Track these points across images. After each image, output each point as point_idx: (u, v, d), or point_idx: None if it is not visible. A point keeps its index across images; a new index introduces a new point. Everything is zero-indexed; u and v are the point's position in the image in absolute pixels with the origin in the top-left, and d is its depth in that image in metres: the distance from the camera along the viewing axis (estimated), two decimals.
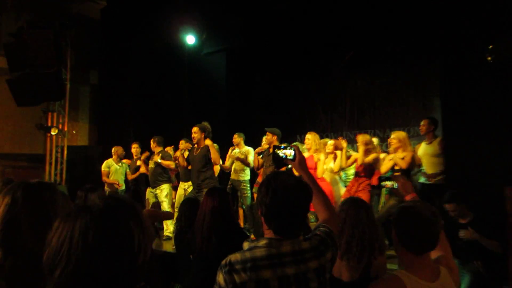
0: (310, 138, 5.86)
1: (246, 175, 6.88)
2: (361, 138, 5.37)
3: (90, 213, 0.92)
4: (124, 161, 7.73)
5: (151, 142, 7.14)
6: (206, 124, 5.76)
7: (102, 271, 0.89)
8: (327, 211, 1.85)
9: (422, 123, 5.61)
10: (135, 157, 7.66)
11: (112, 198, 0.99)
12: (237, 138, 7.20)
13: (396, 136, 5.27)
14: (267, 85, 10.18)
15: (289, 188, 1.61)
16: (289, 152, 1.96)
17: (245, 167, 6.79)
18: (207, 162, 5.61)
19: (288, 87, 9.91)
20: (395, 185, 2.42)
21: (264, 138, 6.39)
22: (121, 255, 0.91)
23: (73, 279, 0.87)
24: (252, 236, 6.85)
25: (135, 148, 7.68)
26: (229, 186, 6.86)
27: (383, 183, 2.54)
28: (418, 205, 1.88)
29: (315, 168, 5.63)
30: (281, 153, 1.98)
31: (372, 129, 8.89)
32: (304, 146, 5.93)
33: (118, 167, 7.62)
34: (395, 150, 5.24)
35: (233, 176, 6.89)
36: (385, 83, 8.81)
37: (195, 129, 5.69)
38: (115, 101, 9.31)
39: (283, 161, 1.98)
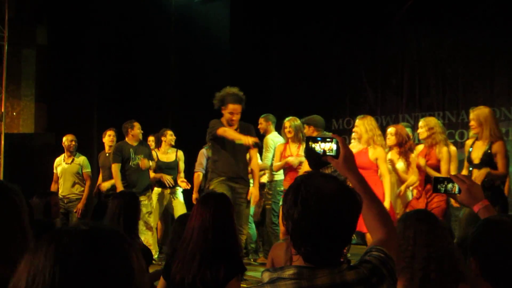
0: (361, 124, 5.93)
1: (278, 175, 7.17)
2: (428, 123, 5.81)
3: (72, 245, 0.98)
4: (79, 159, 7.82)
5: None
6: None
7: None
8: (384, 228, 1.87)
9: None
10: (108, 149, 7.82)
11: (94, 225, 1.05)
12: (263, 123, 7.44)
13: (475, 116, 5.43)
14: (289, 47, 10.22)
15: (327, 197, 1.63)
16: (330, 146, 1.99)
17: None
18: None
19: (319, 50, 9.93)
20: (457, 189, 2.42)
21: (285, 130, 6.88)
22: None
23: None
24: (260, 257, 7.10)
25: (110, 137, 7.88)
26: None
27: (439, 187, 2.56)
28: (508, 221, 1.88)
29: (371, 168, 5.74)
30: (318, 147, 2.01)
31: (440, 110, 9.00)
32: (353, 135, 6.07)
33: (66, 166, 7.74)
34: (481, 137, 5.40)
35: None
36: (460, 44, 8.87)
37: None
38: (72, 70, 9.39)
39: (322, 158, 2.01)
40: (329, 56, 9.94)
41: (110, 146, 7.74)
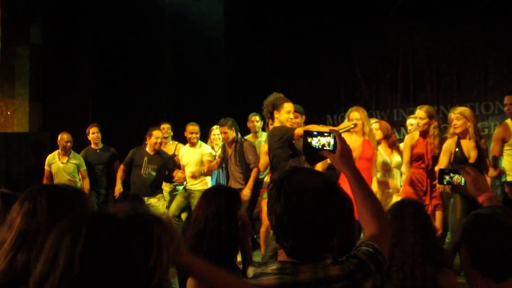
0: (361, 115, 5.89)
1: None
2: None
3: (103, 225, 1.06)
4: (75, 158, 7.81)
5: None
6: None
7: None
8: (378, 223, 1.86)
9: (506, 99, 5.85)
10: (93, 145, 7.90)
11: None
12: (260, 122, 7.42)
13: (460, 114, 5.50)
14: (283, 43, 10.26)
15: (311, 192, 1.62)
16: (327, 140, 1.99)
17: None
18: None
19: (313, 45, 9.97)
20: (463, 181, 2.46)
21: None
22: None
23: None
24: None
25: (95, 134, 7.88)
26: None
27: (446, 178, 2.61)
28: (498, 213, 1.89)
29: (367, 159, 5.76)
30: (314, 141, 2.00)
31: (435, 104, 8.93)
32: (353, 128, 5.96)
33: (61, 165, 7.68)
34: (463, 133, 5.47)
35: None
36: (454, 39, 8.92)
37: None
38: (66, 68, 9.34)
39: (319, 153, 2.00)
40: (323, 51, 10.00)
41: (96, 143, 7.87)
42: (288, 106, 5.46)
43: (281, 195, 1.62)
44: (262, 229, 6.25)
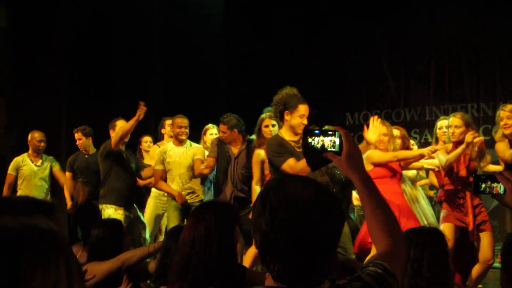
0: (386, 131, 5.83)
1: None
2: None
3: None
4: (48, 160, 7.74)
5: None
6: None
7: None
8: (389, 239, 1.76)
9: None
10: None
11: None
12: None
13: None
14: (294, 27, 9.99)
15: (301, 205, 1.56)
16: (331, 140, 1.89)
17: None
18: None
19: (329, 31, 9.70)
20: (502, 189, 2.42)
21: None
22: None
23: None
24: None
25: (81, 140, 7.60)
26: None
27: (482, 186, 2.58)
28: None
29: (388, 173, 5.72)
30: (315, 141, 1.90)
31: (474, 101, 8.85)
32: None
33: (35, 168, 7.55)
34: None
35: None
36: (497, 25, 8.54)
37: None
38: (37, 57, 8.95)
39: (321, 155, 1.89)
40: (342, 39, 9.66)
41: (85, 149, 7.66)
42: (302, 109, 5.20)
43: (266, 209, 1.56)
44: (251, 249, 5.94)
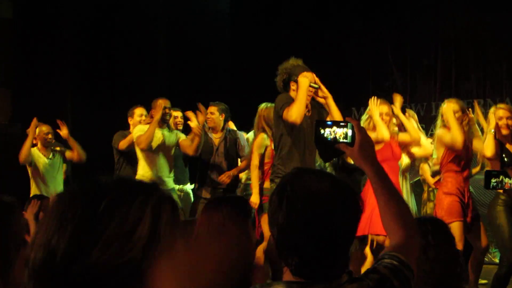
0: (387, 110, 5.95)
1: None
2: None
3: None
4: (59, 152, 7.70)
5: None
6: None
7: None
8: (404, 230, 1.77)
9: None
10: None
11: None
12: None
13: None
14: (300, 19, 10.05)
15: (318, 198, 1.59)
16: (343, 131, 1.92)
17: None
18: None
19: (335, 24, 9.83)
20: None
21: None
22: None
23: None
24: None
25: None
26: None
27: (494, 182, 2.64)
28: None
29: (396, 159, 5.69)
30: (327, 132, 1.94)
31: (481, 98, 8.85)
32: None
33: (47, 161, 7.54)
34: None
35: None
36: (504, 20, 8.58)
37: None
38: (42, 49, 8.99)
39: (334, 146, 1.93)
40: (348, 34, 9.80)
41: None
42: (308, 76, 5.17)
43: (283, 202, 1.59)
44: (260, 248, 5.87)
